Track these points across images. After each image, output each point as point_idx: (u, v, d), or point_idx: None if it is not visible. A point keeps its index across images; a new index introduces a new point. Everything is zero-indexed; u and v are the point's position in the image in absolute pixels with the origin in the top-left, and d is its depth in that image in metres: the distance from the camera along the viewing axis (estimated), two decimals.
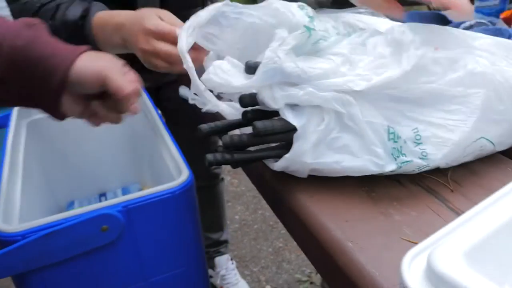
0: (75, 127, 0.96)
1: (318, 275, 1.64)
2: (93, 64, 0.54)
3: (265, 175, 0.61)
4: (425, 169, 0.53)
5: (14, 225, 0.61)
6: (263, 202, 2.15)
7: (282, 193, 0.57)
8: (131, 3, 0.98)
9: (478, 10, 1.07)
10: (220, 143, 0.56)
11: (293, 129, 0.54)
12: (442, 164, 0.53)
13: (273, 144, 0.58)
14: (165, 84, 1.17)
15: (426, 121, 0.50)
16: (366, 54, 0.55)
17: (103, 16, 0.76)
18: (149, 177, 1.11)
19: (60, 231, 0.60)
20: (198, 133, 0.59)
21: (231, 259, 1.60)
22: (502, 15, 0.99)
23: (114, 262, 0.66)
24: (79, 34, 0.76)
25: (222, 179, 1.46)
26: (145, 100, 0.99)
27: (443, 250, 0.35)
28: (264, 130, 0.54)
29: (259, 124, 0.54)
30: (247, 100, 0.55)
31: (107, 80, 0.53)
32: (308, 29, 0.55)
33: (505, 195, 0.43)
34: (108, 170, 1.14)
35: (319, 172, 0.55)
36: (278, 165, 0.55)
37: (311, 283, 1.66)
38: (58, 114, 0.55)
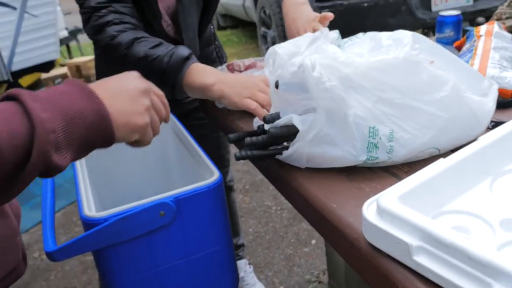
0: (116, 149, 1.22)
1: (326, 275, 1.85)
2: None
3: (272, 167, 0.85)
4: (387, 162, 0.77)
5: (96, 212, 0.85)
6: (274, 216, 2.38)
7: (288, 179, 0.81)
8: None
9: (438, 40, 1.33)
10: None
11: (295, 134, 0.79)
12: (399, 160, 0.77)
13: (280, 146, 0.83)
14: (190, 111, 1.43)
15: (401, 126, 0.73)
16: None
17: (198, 65, 1.03)
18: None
19: (131, 215, 0.83)
20: (228, 140, 0.84)
21: (249, 264, 1.82)
22: (455, 44, 1.25)
23: (168, 241, 0.89)
24: (177, 68, 1.01)
25: (234, 190, 1.71)
26: (175, 121, 1.25)
27: (385, 196, 0.59)
28: (276, 134, 0.79)
29: (273, 130, 0.79)
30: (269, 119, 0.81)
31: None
32: None
33: (430, 167, 0.67)
34: (145, 185, 1.38)
35: (313, 163, 0.79)
36: (285, 154, 0.79)
37: (320, 282, 1.87)
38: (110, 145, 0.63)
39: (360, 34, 0.88)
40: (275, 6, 3.78)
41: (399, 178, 0.76)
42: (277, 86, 0.81)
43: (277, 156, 0.81)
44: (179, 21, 1.22)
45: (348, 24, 3.17)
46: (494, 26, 1.11)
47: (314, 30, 0.98)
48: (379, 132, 0.74)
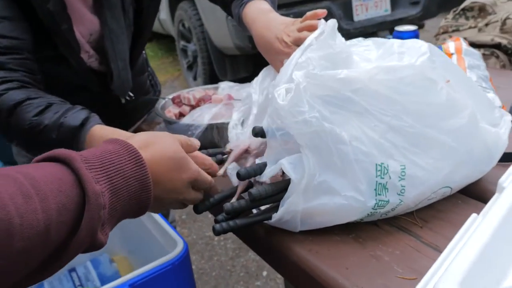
0: None
1: None
2: None
3: (258, 233, 0.68)
4: (398, 208, 0.63)
5: None
6: (217, 248, 2.18)
7: (280, 249, 0.64)
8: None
9: None
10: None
11: (284, 190, 0.63)
12: (411, 204, 0.64)
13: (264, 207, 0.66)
14: None
15: (414, 161, 0.59)
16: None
17: (100, 131, 0.78)
18: (119, 245, 1.12)
19: None
20: (196, 210, 0.66)
21: None
22: None
23: None
24: (70, 138, 0.78)
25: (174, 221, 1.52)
26: None
27: (443, 285, 0.44)
28: (259, 196, 0.61)
29: (253, 191, 0.62)
30: (244, 173, 0.63)
31: None
32: None
33: (468, 229, 0.54)
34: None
35: (310, 223, 0.63)
36: (275, 217, 0.62)
37: None
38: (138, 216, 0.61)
39: (359, 40, 0.73)
40: (195, 19, 3.60)
41: (418, 237, 0.62)
42: (257, 134, 0.64)
43: (266, 221, 0.64)
44: (106, 49, 0.99)
45: None
46: (461, 43, 1.04)
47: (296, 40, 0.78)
48: (389, 169, 0.60)
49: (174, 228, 1.39)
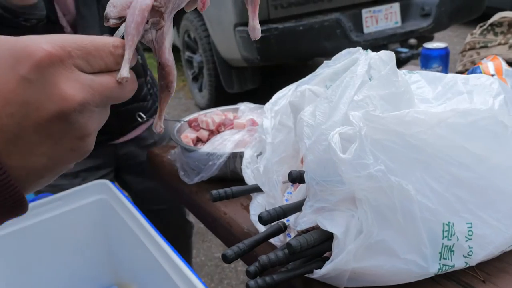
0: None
1: None
2: None
3: (295, 286, 0.60)
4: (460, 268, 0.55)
5: None
6: (227, 270, 2.09)
7: None
8: None
9: None
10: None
11: (328, 239, 0.55)
12: (475, 264, 0.56)
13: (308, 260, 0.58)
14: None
15: (481, 217, 0.51)
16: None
17: None
18: (127, 274, 1.04)
19: None
20: (225, 260, 0.57)
21: None
22: None
23: None
24: None
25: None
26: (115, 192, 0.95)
27: None
28: (299, 248, 0.53)
29: (293, 242, 0.53)
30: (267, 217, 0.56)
31: None
32: None
33: None
34: (82, 275, 1.05)
35: (359, 281, 0.55)
36: (319, 273, 0.54)
37: None
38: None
39: (404, 72, 0.64)
40: (201, 30, 3.53)
41: None
42: (294, 181, 0.56)
43: (308, 275, 0.56)
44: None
45: (283, 48, 3.03)
46: (501, 62, 0.96)
47: None
48: (455, 229, 0.52)
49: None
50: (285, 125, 0.68)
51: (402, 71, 0.64)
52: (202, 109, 3.43)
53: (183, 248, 1.40)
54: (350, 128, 0.50)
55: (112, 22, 0.36)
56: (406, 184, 0.50)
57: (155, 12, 0.36)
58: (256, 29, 0.41)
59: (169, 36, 0.38)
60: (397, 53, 3.26)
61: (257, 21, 0.41)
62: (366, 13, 3.12)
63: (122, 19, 0.36)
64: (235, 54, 3.13)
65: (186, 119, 0.97)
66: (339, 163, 0.47)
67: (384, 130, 0.50)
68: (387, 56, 0.56)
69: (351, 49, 0.63)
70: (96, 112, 0.33)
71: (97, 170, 1.19)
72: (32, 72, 0.29)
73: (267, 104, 0.72)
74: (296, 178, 0.56)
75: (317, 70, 0.69)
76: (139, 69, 1.13)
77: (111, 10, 0.36)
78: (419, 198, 0.50)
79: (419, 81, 0.62)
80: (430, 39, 3.90)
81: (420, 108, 0.55)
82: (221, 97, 3.54)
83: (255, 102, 1.01)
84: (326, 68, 0.67)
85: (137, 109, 1.12)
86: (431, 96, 0.59)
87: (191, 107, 3.93)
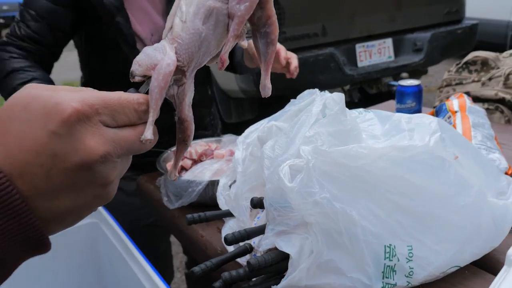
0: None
1: None
2: None
3: None
4: None
5: None
6: None
7: None
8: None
9: (399, 111, 1.24)
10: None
11: (285, 259, 0.61)
12: (417, 283, 0.62)
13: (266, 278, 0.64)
14: None
15: (421, 240, 0.58)
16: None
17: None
18: None
19: None
20: (191, 276, 0.64)
21: None
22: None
23: None
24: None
25: None
26: (105, 216, 1.01)
27: None
28: (257, 266, 0.60)
29: (252, 261, 0.60)
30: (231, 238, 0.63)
31: None
32: None
33: None
34: None
35: None
36: None
37: None
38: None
39: (359, 111, 0.72)
40: None
41: None
42: (255, 206, 0.63)
43: None
44: None
45: (278, 81, 3.12)
46: (465, 100, 1.04)
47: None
48: (396, 251, 0.59)
49: None
50: (256, 156, 0.76)
51: (358, 110, 0.72)
52: None
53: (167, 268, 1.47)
54: (301, 160, 0.57)
55: (137, 79, 0.40)
56: (350, 210, 0.56)
57: (178, 70, 0.39)
58: (266, 88, 0.43)
59: (189, 93, 0.41)
60: (389, 86, 3.37)
61: (269, 80, 0.43)
62: (360, 47, 3.24)
63: (146, 77, 0.39)
64: (233, 85, 3.24)
65: (173, 148, 1.04)
66: (287, 191, 0.54)
67: (331, 163, 0.57)
68: (338, 97, 0.64)
69: (311, 90, 0.71)
70: (118, 163, 0.37)
71: None
72: (61, 127, 0.34)
73: (240, 137, 0.79)
74: (257, 204, 0.62)
75: (286, 107, 0.77)
76: (206, 99, 1.32)
77: (137, 68, 0.39)
78: (362, 223, 0.57)
79: (372, 119, 0.69)
80: (424, 72, 4.02)
81: (367, 144, 0.62)
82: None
83: None
84: (293, 106, 0.75)
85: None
86: (380, 132, 0.66)
87: None
